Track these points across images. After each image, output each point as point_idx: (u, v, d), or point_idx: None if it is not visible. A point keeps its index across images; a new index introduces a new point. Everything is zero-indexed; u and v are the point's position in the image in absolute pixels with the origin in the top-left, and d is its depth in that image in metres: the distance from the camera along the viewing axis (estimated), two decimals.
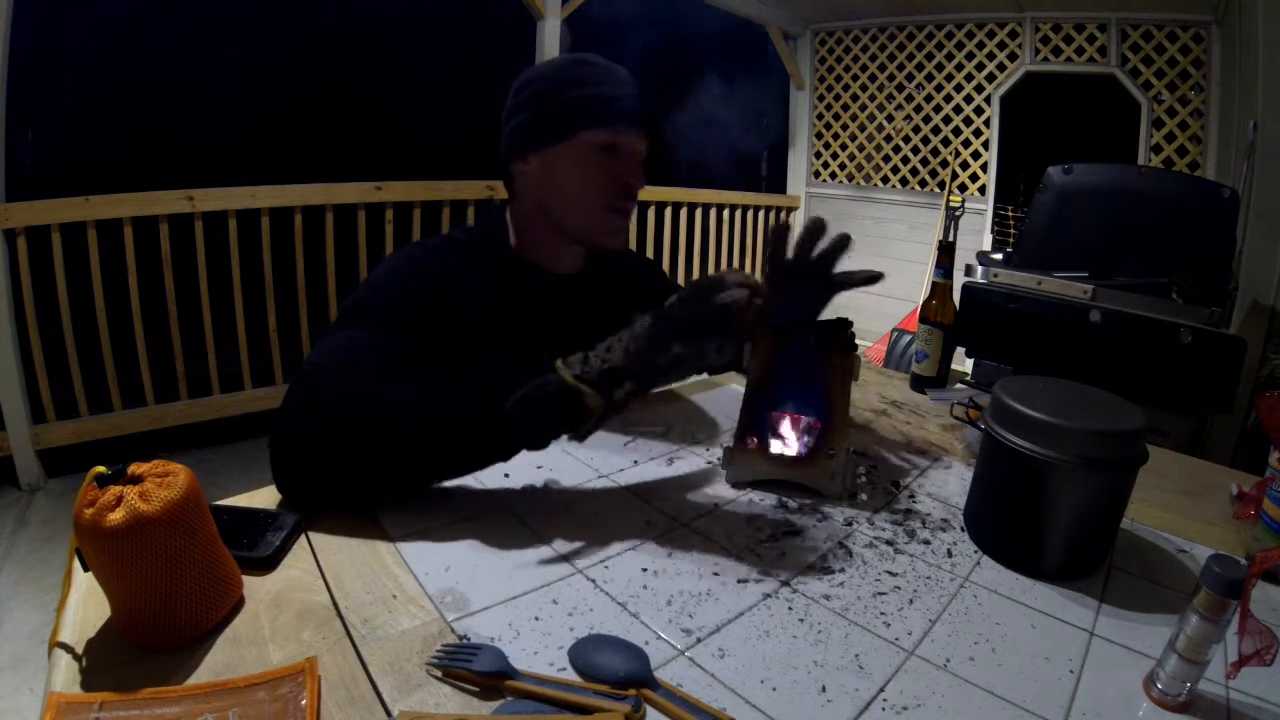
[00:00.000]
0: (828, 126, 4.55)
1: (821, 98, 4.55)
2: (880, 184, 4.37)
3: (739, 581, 0.63)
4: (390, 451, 0.67)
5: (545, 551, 0.65)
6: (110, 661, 0.49)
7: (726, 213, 4.32)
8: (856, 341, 0.85)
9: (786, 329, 0.84)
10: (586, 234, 0.94)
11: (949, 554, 0.70)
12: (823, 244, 0.79)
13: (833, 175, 4.60)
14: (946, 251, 1.17)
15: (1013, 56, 3.69)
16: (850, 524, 0.74)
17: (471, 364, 0.85)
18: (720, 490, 0.80)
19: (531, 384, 0.65)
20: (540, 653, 0.52)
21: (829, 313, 0.86)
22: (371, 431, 0.66)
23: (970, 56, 3.82)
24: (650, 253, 3.93)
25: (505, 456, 0.69)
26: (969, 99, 3.87)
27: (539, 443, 0.68)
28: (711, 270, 4.29)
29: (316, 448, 0.67)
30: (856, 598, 0.61)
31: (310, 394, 0.69)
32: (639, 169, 0.93)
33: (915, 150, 4.16)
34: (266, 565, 0.60)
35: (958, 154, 3.98)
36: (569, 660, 0.51)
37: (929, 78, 4.00)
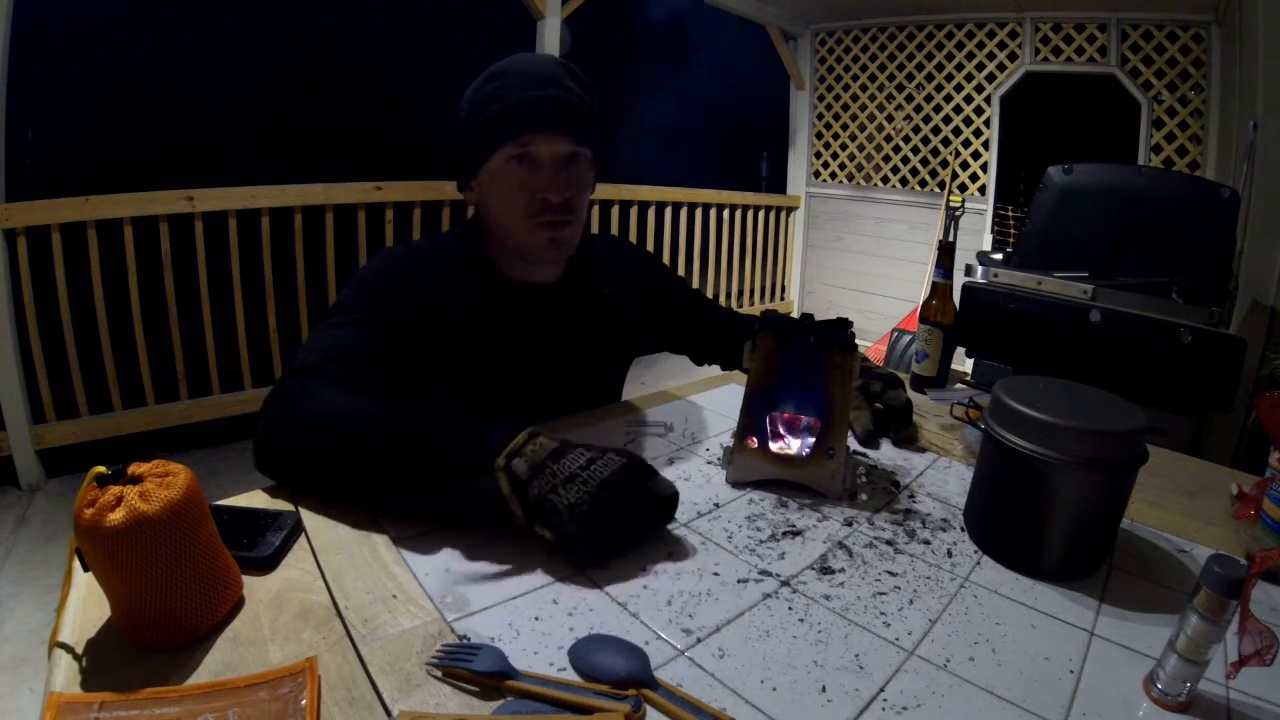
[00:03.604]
0: (828, 126, 4.55)
1: (821, 98, 4.55)
2: (880, 184, 4.37)
3: (739, 581, 0.63)
4: (340, 477, 0.71)
5: (545, 552, 0.65)
6: (110, 661, 0.49)
7: (726, 213, 4.32)
8: (856, 341, 0.85)
9: (786, 329, 0.84)
10: (524, 253, 0.91)
11: (949, 554, 0.70)
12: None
13: (833, 175, 4.60)
14: (946, 251, 1.17)
15: (1013, 56, 3.69)
16: (850, 524, 0.74)
17: (441, 392, 0.87)
18: (720, 490, 0.80)
19: (471, 479, 0.63)
20: (540, 653, 0.52)
21: (829, 313, 0.87)
22: (326, 458, 0.70)
23: (970, 56, 3.82)
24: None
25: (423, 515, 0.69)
26: (969, 99, 3.87)
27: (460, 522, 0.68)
28: (711, 271, 4.29)
29: (285, 455, 0.73)
30: (856, 598, 0.61)
31: (284, 397, 0.75)
32: (559, 176, 0.86)
33: (915, 150, 4.16)
34: (266, 565, 0.60)
35: (958, 154, 3.98)
36: (569, 660, 0.51)
37: (929, 78, 4.00)
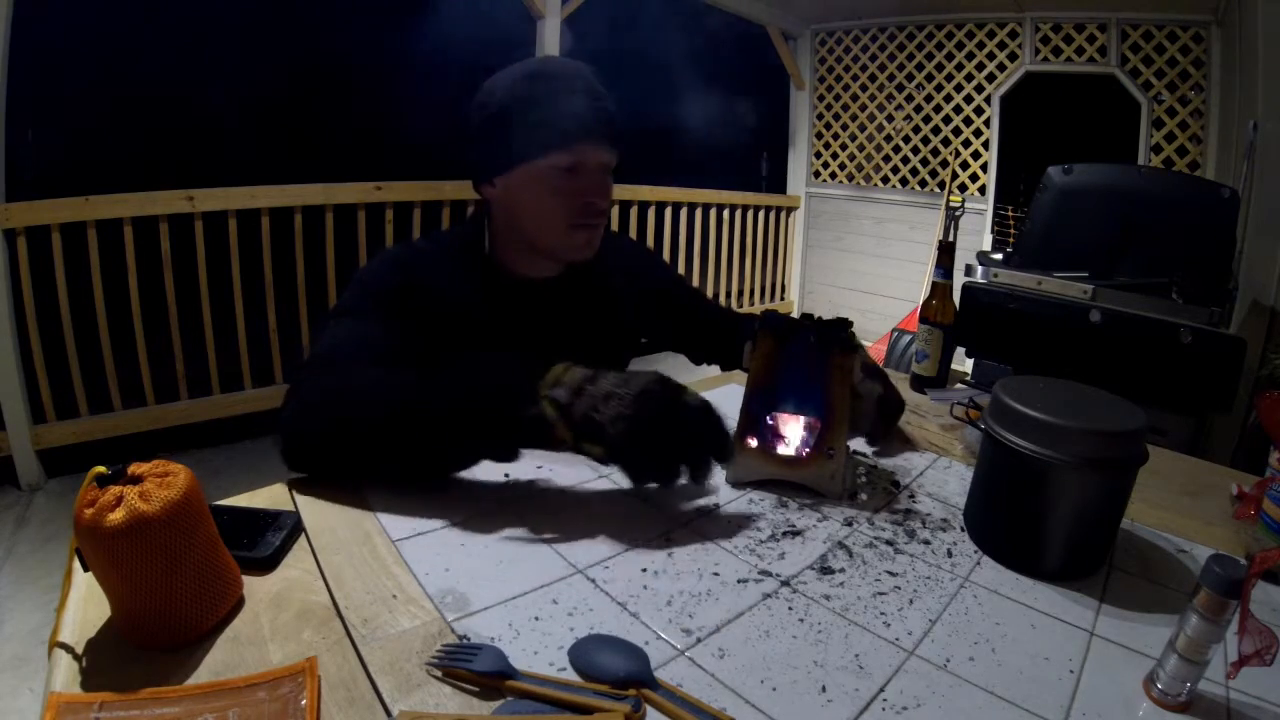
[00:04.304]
0: (828, 126, 4.56)
1: (821, 98, 4.55)
2: (880, 184, 4.37)
3: (739, 581, 0.63)
4: (377, 442, 0.72)
5: (545, 551, 0.65)
6: (110, 661, 0.49)
7: (726, 213, 4.32)
8: (856, 341, 0.85)
9: (786, 329, 0.84)
10: (555, 252, 0.94)
11: (949, 554, 0.70)
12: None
13: (833, 175, 4.61)
14: (946, 251, 1.17)
15: (1013, 56, 3.69)
16: (850, 524, 0.74)
17: (464, 359, 0.87)
18: (720, 490, 0.80)
19: (519, 410, 0.67)
20: (540, 653, 0.52)
21: (829, 314, 0.87)
22: (362, 424, 0.72)
23: (970, 56, 3.82)
24: None
25: (468, 463, 0.74)
26: (969, 99, 3.87)
27: (506, 456, 0.71)
28: (711, 271, 4.29)
29: (317, 437, 0.74)
30: (856, 598, 0.61)
31: (310, 385, 0.76)
32: (603, 183, 0.91)
33: (915, 150, 4.16)
34: (266, 565, 0.60)
35: (958, 154, 3.98)
36: (569, 660, 0.51)
37: (929, 78, 4.00)
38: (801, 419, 0.83)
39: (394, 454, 0.72)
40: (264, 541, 0.62)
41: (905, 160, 4.22)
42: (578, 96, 0.86)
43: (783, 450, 0.81)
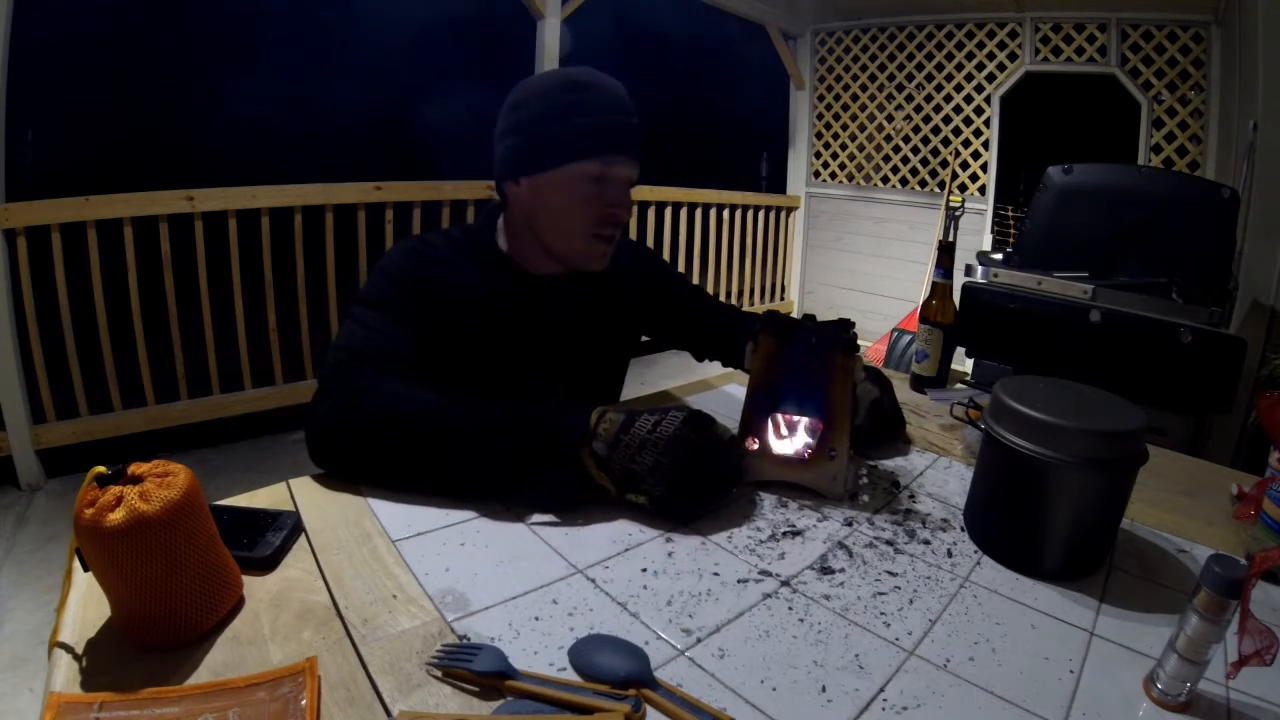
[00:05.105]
0: (828, 126, 4.55)
1: (821, 98, 4.55)
2: (880, 184, 4.37)
3: (739, 581, 0.63)
4: (414, 469, 0.74)
5: (545, 551, 0.65)
6: (110, 661, 0.49)
7: (726, 213, 4.32)
8: (859, 342, 0.85)
9: (788, 330, 0.84)
10: (570, 258, 0.95)
11: (949, 554, 0.70)
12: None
13: (833, 175, 4.60)
14: (946, 251, 1.17)
15: (1013, 56, 3.69)
16: (850, 524, 0.74)
17: (494, 385, 0.90)
18: None
19: (561, 466, 0.70)
20: (540, 653, 0.52)
21: (830, 314, 0.87)
22: (400, 449, 0.73)
23: (970, 56, 3.82)
24: None
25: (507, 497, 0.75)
26: (969, 99, 3.87)
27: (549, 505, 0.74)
28: (711, 271, 4.29)
29: (351, 444, 0.75)
30: (856, 598, 0.61)
31: (348, 388, 0.77)
32: (627, 196, 0.93)
33: (915, 150, 4.16)
34: (266, 565, 0.60)
35: (958, 154, 3.98)
36: (569, 660, 0.51)
37: (929, 78, 4.00)
38: (803, 420, 0.83)
39: (429, 481, 0.74)
40: (264, 541, 0.62)
41: (905, 160, 4.22)
42: (614, 110, 0.89)
43: (784, 451, 0.81)
